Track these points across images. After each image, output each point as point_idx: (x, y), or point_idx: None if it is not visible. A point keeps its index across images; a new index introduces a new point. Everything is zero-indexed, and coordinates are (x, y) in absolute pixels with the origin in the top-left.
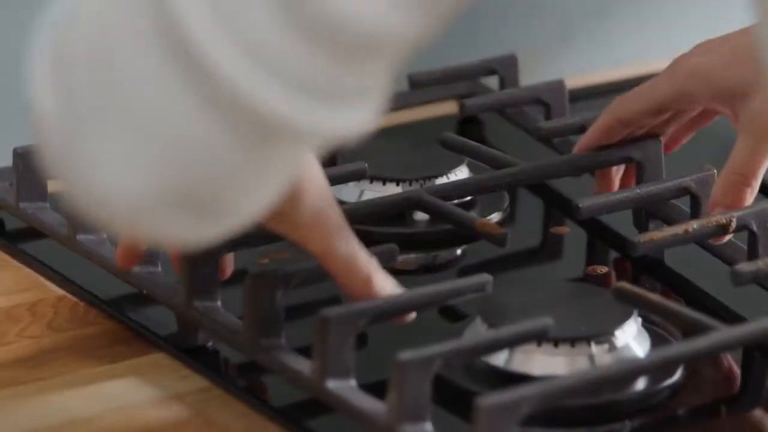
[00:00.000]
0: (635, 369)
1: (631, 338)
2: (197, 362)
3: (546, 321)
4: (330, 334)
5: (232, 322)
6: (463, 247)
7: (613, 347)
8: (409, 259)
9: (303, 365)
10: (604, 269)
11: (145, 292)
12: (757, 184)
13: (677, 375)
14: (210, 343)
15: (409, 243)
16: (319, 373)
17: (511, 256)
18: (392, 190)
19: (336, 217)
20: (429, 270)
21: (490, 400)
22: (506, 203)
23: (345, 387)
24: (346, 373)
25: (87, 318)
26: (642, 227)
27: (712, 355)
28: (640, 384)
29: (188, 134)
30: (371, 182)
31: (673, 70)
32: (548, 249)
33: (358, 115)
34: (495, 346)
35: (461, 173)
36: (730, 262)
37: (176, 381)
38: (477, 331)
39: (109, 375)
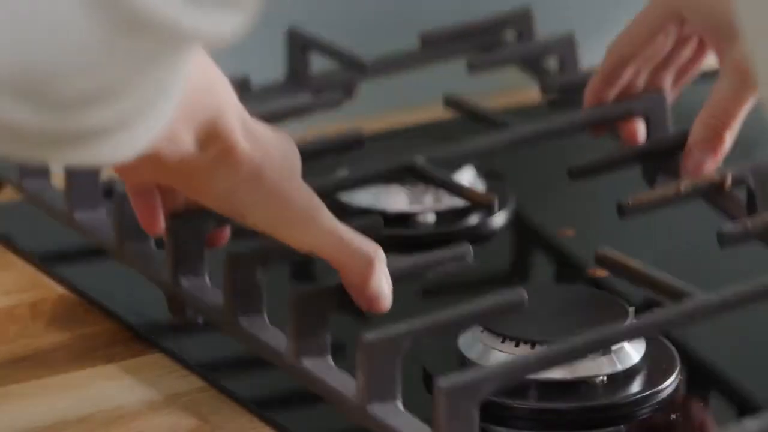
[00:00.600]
0: (592, 344)
1: (626, 342)
2: (195, 362)
3: (521, 293)
4: (303, 313)
5: (214, 299)
6: (481, 246)
7: (607, 351)
8: None
9: (280, 343)
10: (604, 273)
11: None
12: (737, 128)
13: (673, 377)
14: (199, 320)
15: (415, 244)
16: (294, 351)
17: (517, 259)
18: (397, 191)
19: (308, 199)
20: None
21: (449, 380)
22: (514, 205)
23: (320, 365)
24: (322, 352)
25: (87, 318)
26: (651, 181)
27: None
28: (636, 387)
29: (43, 7)
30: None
31: None
32: (554, 251)
33: (232, 20)
34: (466, 321)
35: (468, 173)
36: (732, 216)
37: (173, 381)
38: (472, 330)
39: (106, 375)
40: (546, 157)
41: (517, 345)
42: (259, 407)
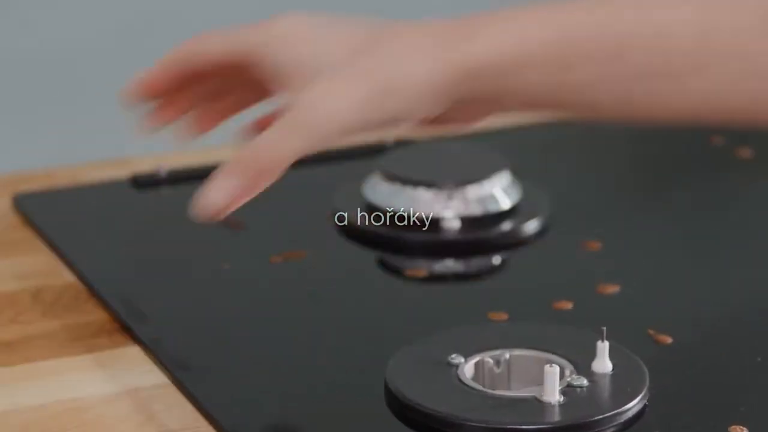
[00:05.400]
0: None
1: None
2: (166, 358)
3: None
4: None
5: None
6: (499, 255)
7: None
8: (442, 266)
9: None
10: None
11: None
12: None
13: (639, 398)
14: None
15: (442, 250)
16: None
17: (548, 267)
18: (424, 194)
19: None
20: (462, 278)
21: None
22: (547, 211)
23: None
24: None
25: (84, 307)
26: None
27: None
28: (595, 407)
29: None
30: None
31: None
32: (570, 265)
33: None
34: None
35: (503, 179)
36: None
37: (138, 375)
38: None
39: (77, 366)
40: (588, 163)
41: None
42: (209, 409)
